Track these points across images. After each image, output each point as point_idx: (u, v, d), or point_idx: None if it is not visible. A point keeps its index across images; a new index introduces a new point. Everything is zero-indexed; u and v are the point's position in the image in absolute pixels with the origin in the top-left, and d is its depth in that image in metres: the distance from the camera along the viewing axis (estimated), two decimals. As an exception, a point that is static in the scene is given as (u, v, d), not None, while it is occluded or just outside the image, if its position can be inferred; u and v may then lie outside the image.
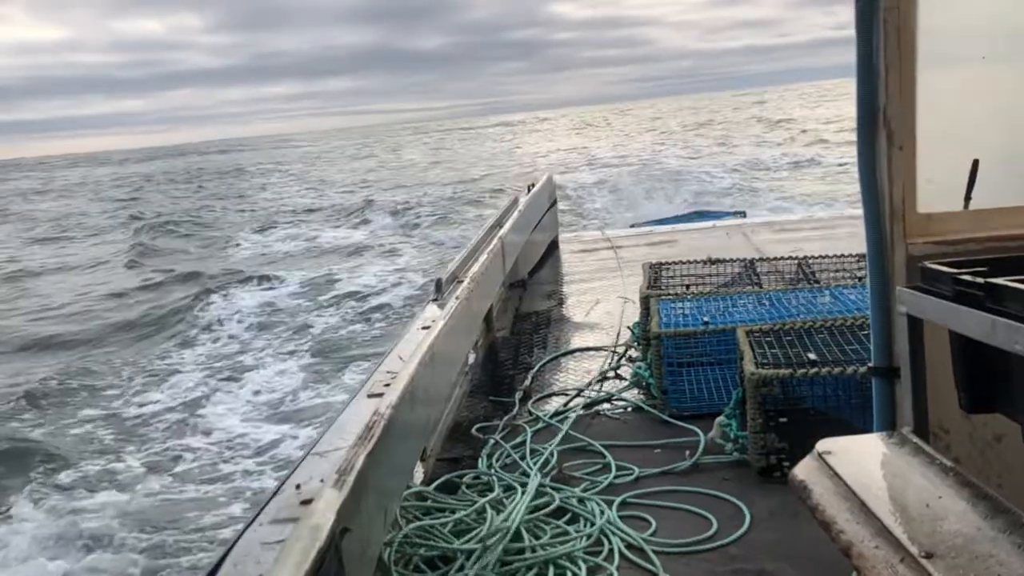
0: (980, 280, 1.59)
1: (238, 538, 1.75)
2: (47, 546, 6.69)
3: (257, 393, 10.46)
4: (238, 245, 24.79)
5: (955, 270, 1.71)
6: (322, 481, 1.94)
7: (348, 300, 15.20)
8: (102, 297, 18.12)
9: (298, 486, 1.93)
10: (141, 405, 10.46)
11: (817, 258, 5.45)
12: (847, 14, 2.20)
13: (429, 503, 3.24)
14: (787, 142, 40.28)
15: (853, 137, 2.29)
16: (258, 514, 1.85)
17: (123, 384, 11.48)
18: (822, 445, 1.93)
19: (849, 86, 2.24)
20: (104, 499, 7.62)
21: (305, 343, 12.62)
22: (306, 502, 1.82)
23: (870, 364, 2.34)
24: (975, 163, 2.27)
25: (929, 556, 1.43)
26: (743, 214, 13.31)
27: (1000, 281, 1.54)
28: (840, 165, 27.88)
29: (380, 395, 2.64)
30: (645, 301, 4.70)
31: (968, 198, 2.31)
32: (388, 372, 2.92)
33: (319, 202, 34.42)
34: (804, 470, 1.89)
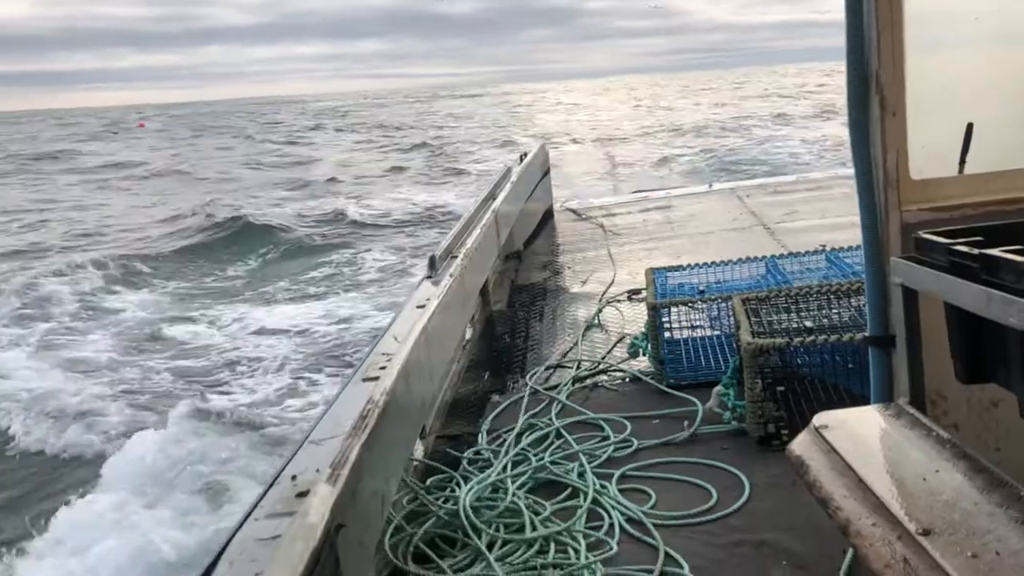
0: (974, 251, 1.57)
1: (234, 533, 1.74)
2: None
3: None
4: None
5: (949, 240, 1.68)
6: (318, 471, 1.93)
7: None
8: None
9: (294, 477, 1.92)
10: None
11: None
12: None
13: (429, 483, 3.25)
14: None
15: None
16: (254, 507, 1.84)
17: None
18: (819, 419, 1.93)
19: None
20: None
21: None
22: (302, 494, 1.81)
23: (866, 333, 2.33)
24: (969, 127, 2.24)
25: (927, 533, 1.42)
26: None
27: (994, 252, 1.51)
28: None
29: (375, 379, 2.63)
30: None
31: (963, 163, 2.28)
32: (383, 354, 2.91)
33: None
34: (801, 445, 1.89)
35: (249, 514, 1.81)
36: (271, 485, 1.95)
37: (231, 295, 13.46)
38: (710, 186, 10.30)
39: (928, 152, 2.23)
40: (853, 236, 2.48)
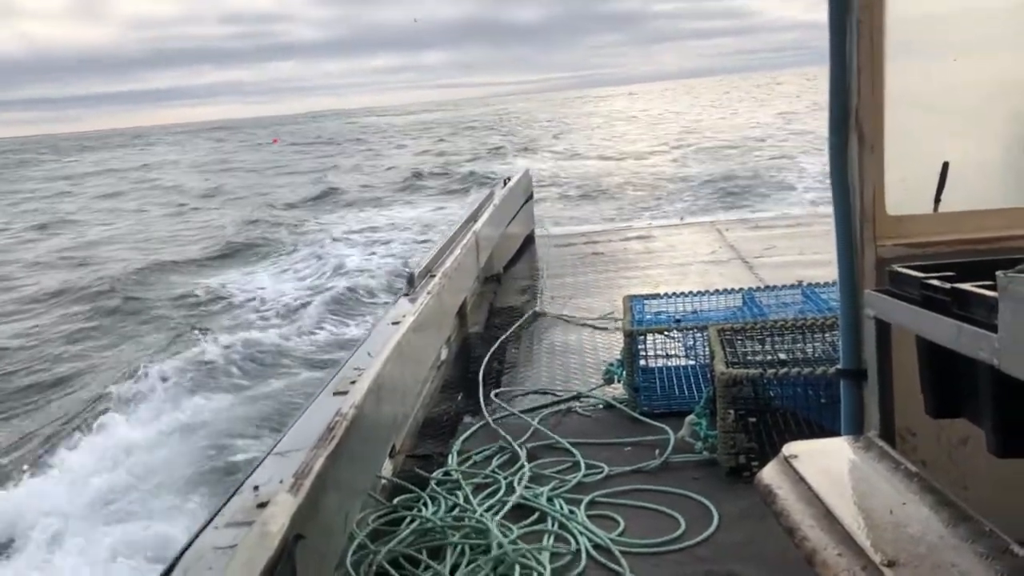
0: (947, 285, 1.58)
1: (192, 541, 1.71)
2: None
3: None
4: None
5: (922, 274, 1.69)
6: (281, 482, 1.89)
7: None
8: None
9: (256, 487, 1.89)
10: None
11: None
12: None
13: (396, 502, 3.21)
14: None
15: None
16: (214, 516, 1.80)
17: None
18: (788, 448, 1.92)
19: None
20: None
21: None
22: (263, 504, 1.77)
23: (838, 366, 2.33)
24: (945, 166, 2.27)
25: (891, 564, 1.42)
26: None
27: (966, 287, 1.52)
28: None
29: (345, 393, 2.60)
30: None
31: (938, 201, 2.30)
32: (355, 369, 2.88)
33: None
34: (770, 474, 1.88)
35: (208, 522, 1.78)
36: (232, 495, 1.92)
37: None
38: (681, 219, 10.42)
39: (905, 188, 2.25)
40: (830, 273, 2.50)
